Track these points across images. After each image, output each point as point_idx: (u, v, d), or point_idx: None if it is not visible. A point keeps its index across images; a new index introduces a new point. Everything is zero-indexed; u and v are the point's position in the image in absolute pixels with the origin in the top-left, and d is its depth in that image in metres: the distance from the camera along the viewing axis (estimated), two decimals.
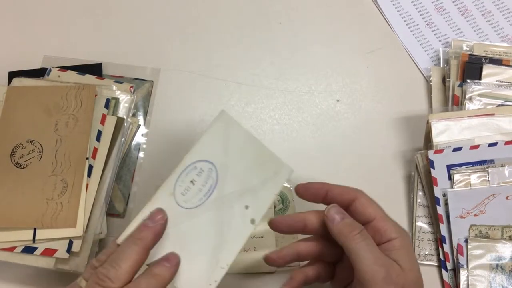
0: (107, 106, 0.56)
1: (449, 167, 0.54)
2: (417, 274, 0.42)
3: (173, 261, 0.38)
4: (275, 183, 0.43)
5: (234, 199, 0.42)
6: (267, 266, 0.53)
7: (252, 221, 0.42)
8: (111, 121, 0.55)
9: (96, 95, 0.56)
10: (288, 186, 0.56)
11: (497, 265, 0.51)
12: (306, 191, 0.45)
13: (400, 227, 0.43)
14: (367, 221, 0.43)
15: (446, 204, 0.53)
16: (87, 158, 0.53)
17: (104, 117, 0.55)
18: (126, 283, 0.36)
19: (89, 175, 0.52)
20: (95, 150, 0.54)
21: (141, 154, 0.59)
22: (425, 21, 0.67)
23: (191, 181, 0.41)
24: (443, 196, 0.53)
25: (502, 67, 0.60)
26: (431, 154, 0.54)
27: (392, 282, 0.40)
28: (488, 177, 0.53)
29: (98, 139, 0.54)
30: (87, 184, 0.52)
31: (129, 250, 0.37)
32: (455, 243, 0.52)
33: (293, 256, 0.45)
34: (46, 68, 0.60)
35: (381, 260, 0.40)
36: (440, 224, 0.53)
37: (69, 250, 0.49)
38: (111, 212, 0.55)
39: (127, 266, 0.36)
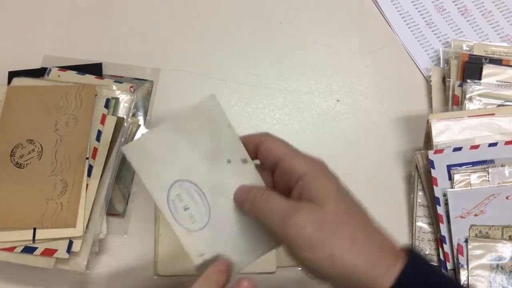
0: (107, 106, 0.56)
1: (449, 167, 0.54)
2: (339, 204, 0.39)
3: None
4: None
5: (222, 174, 0.40)
6: (267, 266, 0.53)
7: (244, 161, 0.41)
8: (111, 121, 0.55)
9: (96, 95, 0.56)
10: None
11: (497, 265, 0.51)
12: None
13: (312, 158, 0.41)
14: (275, 164, 0.41)
15: (446, 204, 0.53)
16: (87, 158, 0.53)
17: (104, 117, 0.55)
18: None
19: (89, 175, 0.52)
20: (95, 150, 0.54)
21: None
22: (425, 21, 0.67)
23: (185, 209, 0.40)
24: (443, 196, 0.53)
25: (502, 67, 0.60)
26: (431, 154, 0.54)
27: (304, 226, 0.38)
28: (488, 177, 0.53)
29: (98, 139, 0.54)
30: (87, 184, 0.52)
31: None
32: (455, 243, 0.52)
33: None
34: (46, 68, 0.60)
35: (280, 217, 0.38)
36: (440, 224, 0.53)
37: (69, 250, 0.49)
38: (111, 212, 0.55)
39: None
